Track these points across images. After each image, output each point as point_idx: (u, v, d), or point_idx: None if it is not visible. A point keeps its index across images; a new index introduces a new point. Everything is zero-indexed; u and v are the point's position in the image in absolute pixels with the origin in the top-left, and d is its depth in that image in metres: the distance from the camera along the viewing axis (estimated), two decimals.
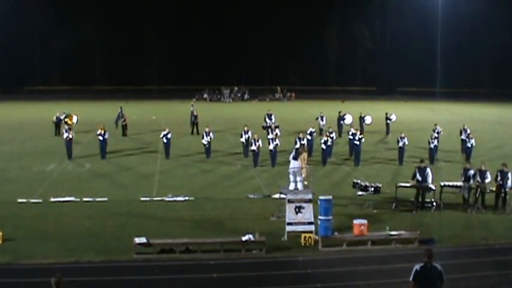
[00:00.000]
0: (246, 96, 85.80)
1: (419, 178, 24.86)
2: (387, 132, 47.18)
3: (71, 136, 35.99)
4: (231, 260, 18.72)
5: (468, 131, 37.78)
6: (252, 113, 63.37)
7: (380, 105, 70.60)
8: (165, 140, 36.45)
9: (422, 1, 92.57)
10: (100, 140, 36.16)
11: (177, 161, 35.78)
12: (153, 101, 78.87)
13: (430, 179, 24.86)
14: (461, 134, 39.01)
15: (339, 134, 44.83)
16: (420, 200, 24.89)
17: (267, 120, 46.56)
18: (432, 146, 35.64)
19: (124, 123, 46.52)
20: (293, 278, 17.38)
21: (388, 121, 47.79)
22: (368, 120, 46.63)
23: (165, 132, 36.59)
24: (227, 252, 19.08)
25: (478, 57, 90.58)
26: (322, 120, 45.72)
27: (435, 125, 40.47)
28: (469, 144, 36.19)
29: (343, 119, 45.88)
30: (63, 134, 36.57)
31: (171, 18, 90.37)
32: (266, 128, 43.30)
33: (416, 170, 25.18)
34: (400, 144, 34.82)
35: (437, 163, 35.23)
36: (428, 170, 25.13)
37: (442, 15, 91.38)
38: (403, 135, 35.14)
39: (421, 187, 24.91)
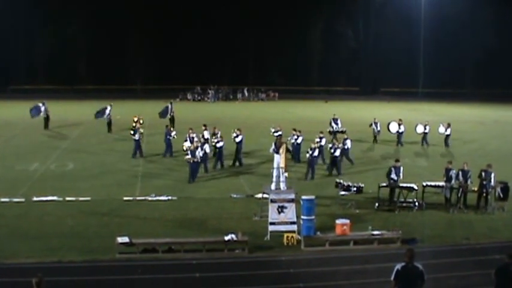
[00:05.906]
0: (239, 96, 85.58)
1: (395, 177, 25.48)
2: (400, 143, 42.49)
3: (140, 136, 36.34)
4: (214, 260, 18.75)
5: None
6: (235, 112, 63.30)
7: (363, 106, 70.78)
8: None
9: (406, 2, 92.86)
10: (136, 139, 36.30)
11: (160, 160, 35.70)
12: (137, 100, 78.51)
13: (400, 178, 25.53)
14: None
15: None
16: (392, 197, 25.47)
17: (333, 125, 44.13)
18: None
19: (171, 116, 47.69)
20: (275, 278, 17.44)
21: (399, 130, 42.83)
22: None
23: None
24: (210, 251, 19.12)
25: (460, 58, 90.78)
26: (377, 126, 43.11)
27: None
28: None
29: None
30: (135, 134, 36.11)
31: (155, 18, 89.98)
32: (333, 132, 40.71)
33: (392, 169, 25.79)
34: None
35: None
36: (401, 169, 25.74)
37: (425, 16, 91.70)
38: None
39: (395, 186, 25.48)
